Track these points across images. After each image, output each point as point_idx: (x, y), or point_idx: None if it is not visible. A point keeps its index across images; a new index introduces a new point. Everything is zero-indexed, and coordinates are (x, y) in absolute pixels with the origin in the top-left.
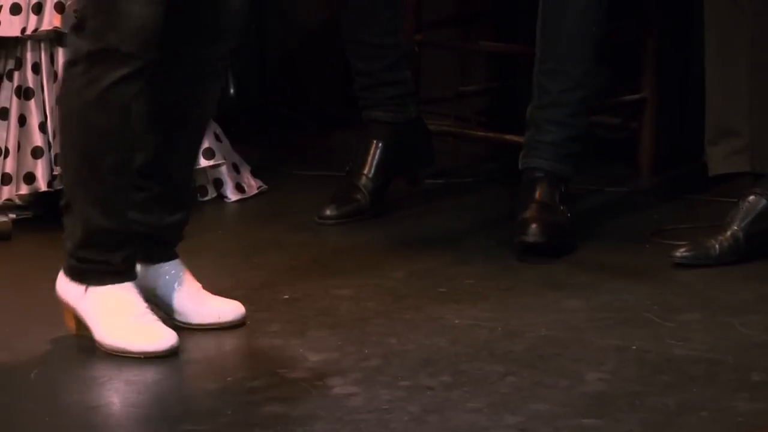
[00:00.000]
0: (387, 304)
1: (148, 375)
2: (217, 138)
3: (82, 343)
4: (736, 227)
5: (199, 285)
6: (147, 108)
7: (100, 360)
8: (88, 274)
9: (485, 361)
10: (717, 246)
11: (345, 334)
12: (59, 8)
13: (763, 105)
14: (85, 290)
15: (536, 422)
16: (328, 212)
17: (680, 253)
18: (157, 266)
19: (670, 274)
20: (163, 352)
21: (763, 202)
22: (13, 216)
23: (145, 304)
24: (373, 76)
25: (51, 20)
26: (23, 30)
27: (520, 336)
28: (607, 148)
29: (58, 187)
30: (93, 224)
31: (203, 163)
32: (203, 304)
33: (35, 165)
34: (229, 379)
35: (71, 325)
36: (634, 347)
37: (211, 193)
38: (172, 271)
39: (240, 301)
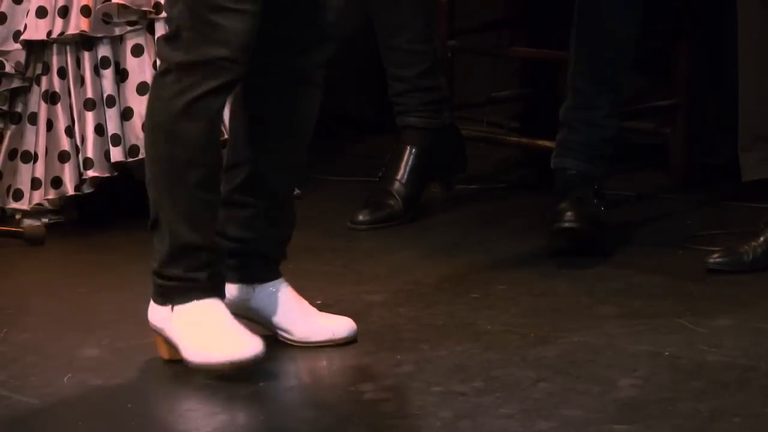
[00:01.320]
0: (419, 310)
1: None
2: None
3: (110, 346)
4: None
5: (306, 302)
6: (246, 121)
7: (131, 364)
8: (174, 293)
9: (517, 366)
10: (750, 252)
11: (377, 340)
12: (85, 12)
13: None
14: (172, 309)
15: (568, 428)
16: (360, 218)
17: (713, 259)
18: (263, 286)
19: (703, 280)
20: (247, 360)
21: None
22: (45, 220)
23: (232, 318)
24: (407, 81)
25: (78, 24)
26: (49, 33)
27: (552, 342)
28: (640, 154)
29: (87, 191)
30: (180, 241)
31: None
32: (315, 322)
33: (62, 169)
34: (260, 383)
35: (163, 351)
36: (667, 353)
37: None
38: (280, 290)
39: None
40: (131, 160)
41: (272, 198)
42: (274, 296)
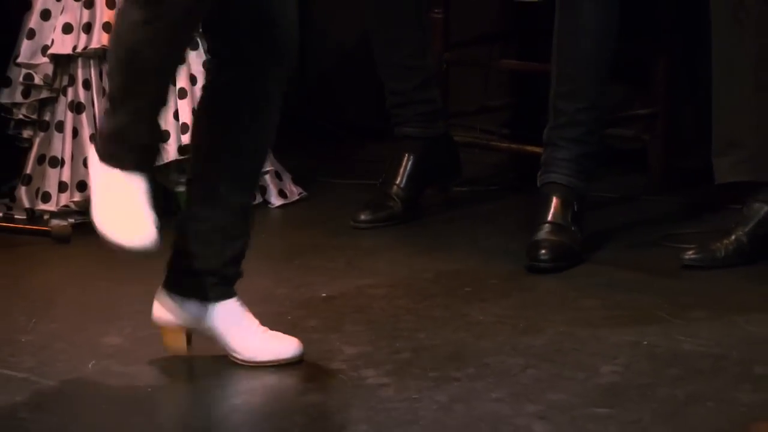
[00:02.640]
0: (417, 302)
1: (187, 366)
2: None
3: (131, 335)
4: (740, 232)
5: (256, 322)
6: (205, 137)
7: (150, 352)
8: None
9: (508, 354)
10: (723, 249)
11: (378, 330)
12: (107, 28)
13: (766, 118)
14: (102, 166)
15: (554, 411)
16: (362, 217)
17: (689, 255)
18: (216, 305)
19: (679, 275)
20: (137, 247)
21: (765, 209)
22: (71, 220)
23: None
24: (404, 95)
25: (100, 39)
26: (74, 48)
27: (540, 332)
28: (621, 159)
29: None
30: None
31: None
32: (262, 343)
33: (87, 174)
34: (270, 370)
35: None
36: (646, 342)
37: (257, 199)
38: (232, 310)
39: (281, 299)
40: None
41: (228, 213)
42: (225, 316)
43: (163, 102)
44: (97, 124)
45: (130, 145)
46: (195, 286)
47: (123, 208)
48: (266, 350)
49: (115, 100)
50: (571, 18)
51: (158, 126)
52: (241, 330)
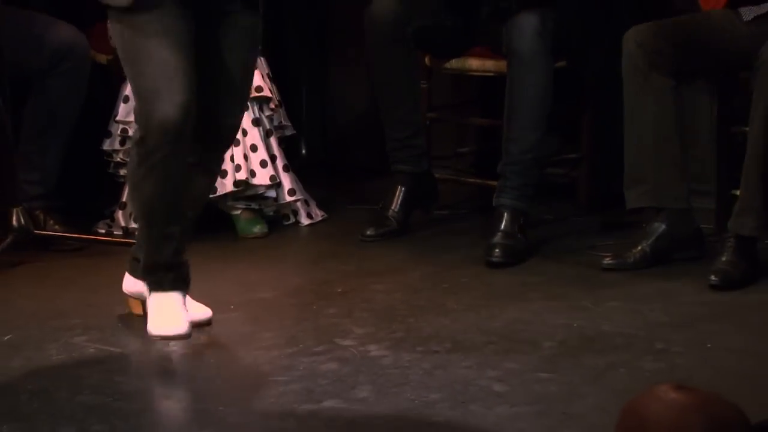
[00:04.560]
0: (408, 295)
1: (240, 342)
2: (297, 181)
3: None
4: (644, 244)
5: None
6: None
7: (199, 336)
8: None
9: (474, 333)
10: (632, 256)
11: (379, 316)
12: None
13: (661, 162)
14: (149, 293)
15: (509, 375)
16: (368, 232)
17: (607, 261)
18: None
19: (600, 275)
20: (172, 336)
21: (662, 227)
22: None
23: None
24: (399, 141)
25: None
26: None
27: (498, 317)
28: (556, 189)
29: None
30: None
31: (288, 198)
32: (198, 309)
33: None
34: (300, 345)
35: (137, 309)
36: (576, 325)
37: (291, 219)
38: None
39: (308, 293)
40: (212, 197)
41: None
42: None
43: (175, 228)
44: None
45: (161, 268)
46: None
47: (164, 315)
48: (196, 314)
49: (140, 233)
50: (517, 86)
51: (181, 247)
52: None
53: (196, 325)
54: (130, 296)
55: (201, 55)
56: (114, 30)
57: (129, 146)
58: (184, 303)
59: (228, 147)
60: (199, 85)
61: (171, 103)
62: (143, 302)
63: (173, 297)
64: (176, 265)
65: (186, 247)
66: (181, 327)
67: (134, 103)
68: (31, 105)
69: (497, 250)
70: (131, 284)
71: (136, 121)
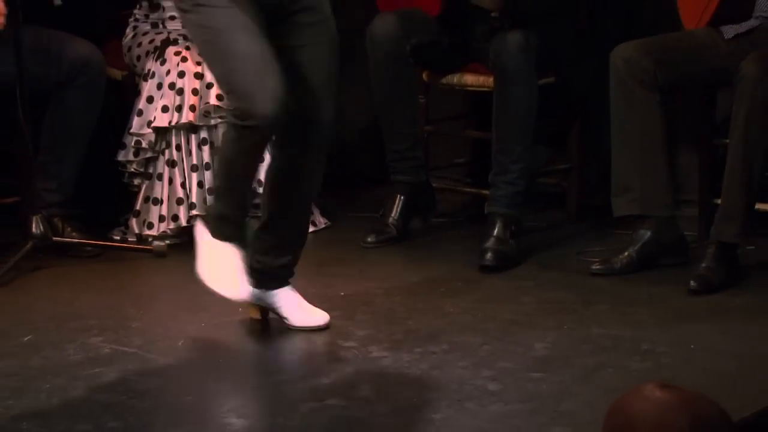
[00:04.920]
0: (407, 299)
1: (248, 343)
2: None
3: (208, 323)
4: (631, 250)
5: (303, 300)
6: (268, 191)
7: (223, 334)
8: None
9: (470, 335)
10: (619, 262)
11: (379, 318)
12: (193, 109)
13: (647, 172)
14: (207, 234)
15: (503, 375)
16: (369, 239)
17: (595, 266)
18: (273, 292)
19: (589, 280)
20: (233, 299)
21: (648, 234)
22: (167, 242)
23: (240, 262)
24: (399, 153)
25: (187, 116)
26: (170, 122)
27: (492, 319)
28: (548, 199)
29: (194, 223)
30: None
31: None
32: (306, 314)
33: (179, 209)
34: (304, 347)
35: (254, 314)
36: (566, 327)
37: None
38: (285, 294)
39: (313, 296)
40: None
41: (281, 238)
42: (279, 297)
43: (249, 193)
44: (186, 175)
45: (228, 223)
46: (258, 281)
47: (224, 269)
48: (310, 320)
49: (218, 193)
50: (504, 100)
51: (246, 210)
52: (292, 305)
53: (314, 330)
54: (247, 301)
55: (282, 58)
56: (194, 31)
57: (142, 157)
58: (241, 261)
59: (327, 145)
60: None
61: (268, 98)
62: (261, 308)
63: (229, 250)
64: (239, 225)
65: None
66: (241, 291)
67: (226, 90)
68: (50, 117)
69: (489, 255)
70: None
71: (232, 109)
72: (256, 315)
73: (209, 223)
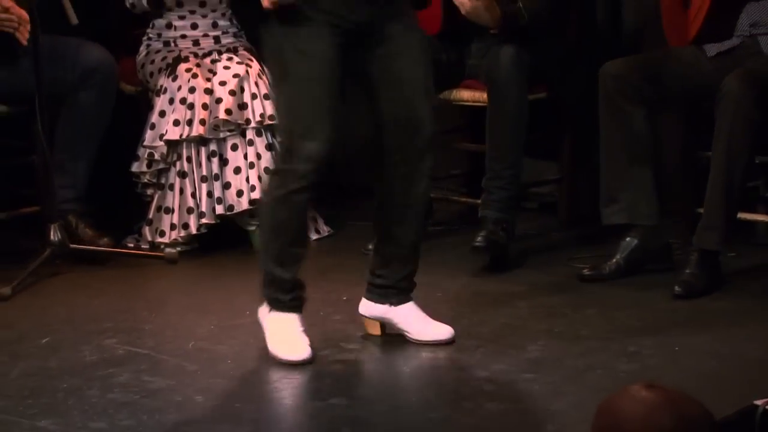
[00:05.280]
0: None
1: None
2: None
3: (217, 326)
4: (619, 256)
5: (424, 314)
6: (380, 202)
7: (231, 336)
8: (272, 303)
9: (466, 338)
10: (608, 267)
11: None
12: (202, 123)
13: (633, 182)
14: (268, 312)
15: (497, 375)
16: (370, 246)
17: (585, 272)
18: (395, 307)
19: (578, 285)
20: (298, 361)
21: (635, 242)
22: (178, 249)
23: (299, 329)
24: None
25: (198, 130)
26: (181, 135)
27: (486, 322)
28: (540, 207)
29: (203, 231)
30: (271, 275)
31: None
32: (428, 328)
33: (189, 218)
34: (312, 348)
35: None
36: (557, 330)
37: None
38: (407, 308)
39: (316, 302)
40: (228, 213)
41: (400, 248)
42: (402, 312)
43: (301, 250)
44: (196, 186)
45: (282, 291)
46: (383, 295)
47: (285, 337)
48: (430, 334)
49: (264, 254)
50: (496, 111)
51: (297, 270)
52: (414, 320)
53: (438, 344)
54: (368, 318)
55: (376, 67)
56: (269, 56)
57: (155, 168)
58: (301, 324)
59: (432, 154)
60: (387, 99)
61: (318, 143)
62: (381, 324)
63: (292, 319)
64: (298, 286)
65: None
66: (304, 353)
67: (279, 125)
68: (64, 117)
69: (480, 238)
70: (366, 308)
71: (283, 139)
72: (375, 331)
73: (263, 291)
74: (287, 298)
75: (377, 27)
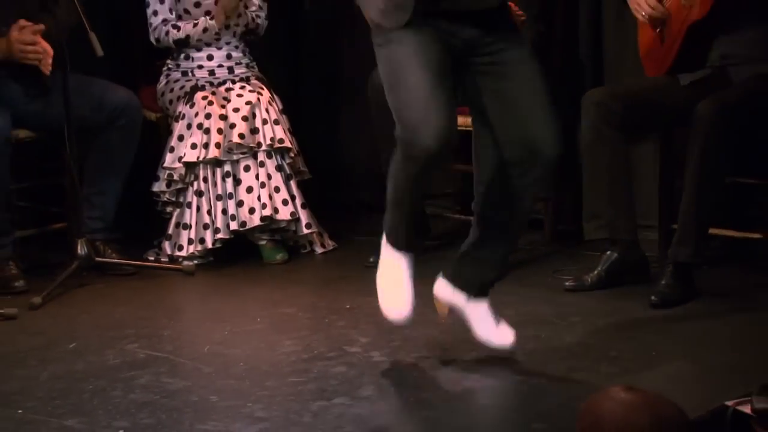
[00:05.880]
0: None
1: (265, 349)
2: (312, 217)
3: (230, 332)
4: (600, 269)
5: (495, 318)
6: (481, 207)
7: (243, 341)
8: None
9: (460, 343)
10: (590, 279)
11: (381, 327)
12: (218, 146)
13: (614, 201)
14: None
15: (488, 377)
16: (371, 259)
17: (569, 283)
18: (470, 299)
19: (563, 295)
20: (394, 321)
21: (615, 255)
22: (195, 262)
23: (408, 278)
24: None
25: (213, 152)
26: (198, 157)
27: None
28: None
29: (218, 246)
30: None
31: (305, 231)
32: (496, 332)
33: (205, 233)
34: (315, 352)
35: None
36: (543, 336)
37: (308, 248)
38: (479, 305)
39: (322, 309)
40: (241, 229)
41: (487, 255)
42: (476, 308)
43: (417, 208)
44: (211, 204)
45: (399, 234)
46: (465, 285)
47: (391, 281)
48: (497, 336)
49: (389, 207)
50: (482, 136)
51: (413, 226)
52: (484, 321)
53: (496, 348)
54: (439, 300)
55: (490, 89)
56: (381, 63)
57: (174, 188)
58: (409, 273)
59: (548, 174)
60: (505, 118)
61: (431, 134)
62: (450, 308)
63: (399, 260)
64: (409, 236)
65: None
66: (401, 311)
67: (396, 120)
68: (92, 154)
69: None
70: (440, 289)
71: (400, 135)
72: (444, 312)
73: (386, 232)
74: (403, 237)
75: (487, 50)
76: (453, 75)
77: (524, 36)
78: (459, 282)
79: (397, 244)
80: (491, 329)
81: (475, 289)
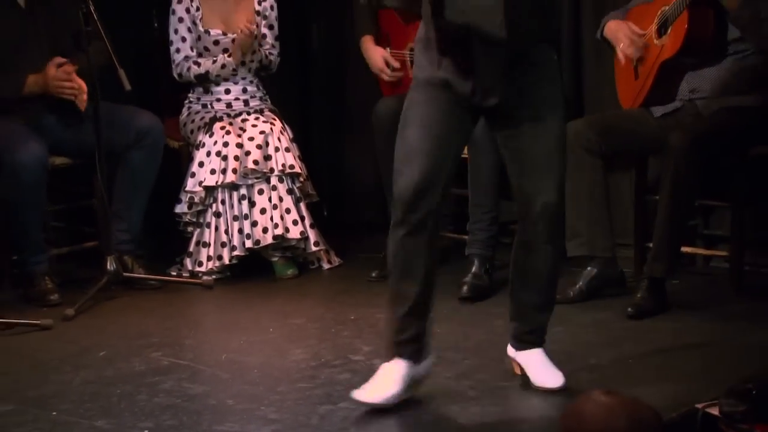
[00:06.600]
0: None
1: (277, 357)
2: (320, 235)
3: (246, 341)
4: (581, 283)
5: (547, 361)
6: (515, 263)
7: (257, 350)
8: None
9: (454, 352)
10: (572, 292)
11: (382, 337)
12: (234, 172)
13: (593, 221)
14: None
15: (480, 383)
16: (374, 274)
17: None
18: (521, 351)
19: None
20: (366, 402)
21: (595, 270)
22: (214, 277)
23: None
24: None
25: (230, 177)
26: (216, 182)
27: (470, 338)
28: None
29: (234, 262)
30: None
31: (313, 248)
32: (548, 376)
33: (223, 251)
34: (322, 359)
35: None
36: None
37: (316, 265)
38: (530, 355)
39: (328, 320)
40: (255, 247)
41: (523, 306)
42: (524, 357)
43: (424, 309)
44: (228, 224)
45: (398, 339)
46: (513, 340)
47: (378, 380)
48: (549, 380)
49: (390, 301)
50: (476, 166)
51: (423, 329)
52: (538, 367)
53: (547, 391)
54: (512, 359)
55: (509, 146)
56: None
57: (195, 209)
58: (407, 371)
59: (548, 223)
60: (513, 170)
61: (406, 182)
62: (519, 365)
63: (394, 364)
64: (407, 328)
65: (429, 316)
66: (378, 395)
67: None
68: (120, 173)
69: (466, 288)
70: (509, 349)
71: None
72: (517, 371)
73: (389, 347)
74: (395, 339)
75: (511, 113)
76: (465, 130)
77: (554, 68)
78: (510, 337)
79: (394, 351)
80: (542, 374)
81: (519, 342)
